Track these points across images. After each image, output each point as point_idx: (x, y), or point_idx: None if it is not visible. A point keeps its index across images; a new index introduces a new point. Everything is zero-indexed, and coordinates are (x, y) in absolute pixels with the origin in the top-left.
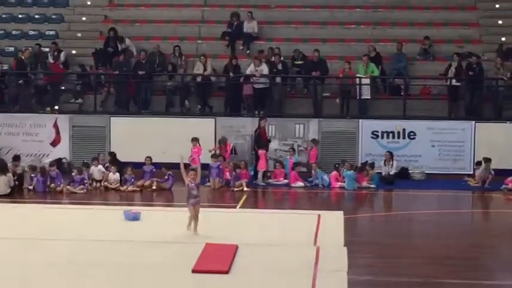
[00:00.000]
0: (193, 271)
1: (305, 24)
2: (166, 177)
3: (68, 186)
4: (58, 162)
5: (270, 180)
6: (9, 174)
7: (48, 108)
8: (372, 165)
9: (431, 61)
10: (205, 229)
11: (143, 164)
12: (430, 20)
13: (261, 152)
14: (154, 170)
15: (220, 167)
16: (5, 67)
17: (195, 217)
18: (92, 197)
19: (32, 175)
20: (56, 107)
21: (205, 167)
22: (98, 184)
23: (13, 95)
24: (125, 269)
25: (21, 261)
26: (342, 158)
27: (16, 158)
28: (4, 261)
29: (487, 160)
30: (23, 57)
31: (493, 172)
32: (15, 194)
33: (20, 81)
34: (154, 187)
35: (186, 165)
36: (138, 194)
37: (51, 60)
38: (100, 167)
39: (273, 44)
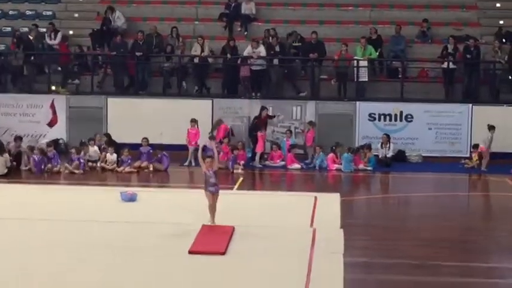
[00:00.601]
0: (190, 252)
1: (303, 6)
2: (159, 156)
3: (66, 164)
4: (55, 143)
5: (266, 162)
6: (6, 155)
7: (60, 88)
8: (369, 148)
9: (429, 44)
10: (202, 211)
11: (140, 145)
12: (428, 2)
13: (260, 133)
14: (151, 151)
15: (217, 148)
16: (2, 47)
17: (213, 206)
18: (89, 178)
19: (29, 156)
20: (53, 88)
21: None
22: (94, 165)
23: (14, 74)
24: (121, 250)
25: (17, 242)
26: (339, 140)
27: (18, 139)
28: (0, 243)
29: (491, 128)
30: (31, 37)
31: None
32: (12, 174)
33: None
34: (151, 168)
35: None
36: (134, 175)
37: (48, 40)
38: (95, 147)
39: (271, 26)
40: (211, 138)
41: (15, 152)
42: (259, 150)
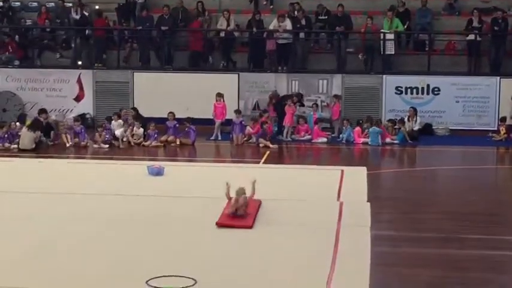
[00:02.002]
0: (217, 225)
1: None
2: (187, 129)
3: (95, 138)
4: (82, 118)
5: (293, 136)
6: (38, 132)
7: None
8: (402, 122)
9: (456, 16)
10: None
11: (166, 119)
12: None
13: (288, 108)
14: (177, 125)
15: (243, 122)
16: (29, 22)
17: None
18: (116, 152)
19: (57, 130)
20: (80, 62)
21: (228, 122)
22: (121, 139)
23: (41, 49)
24: (148, 223)
25: (45, 216)
26: (366, 114)
27: (43, 111)
28: (29, 216)
29: None
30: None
31: None
32: (40, 149)
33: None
34: (177, 142)
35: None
36: (161, 149)
37: (74, 15)
38: (120, 121)
39: None
40: (237, 112)
41: (44, 124)
42: (288, 123)
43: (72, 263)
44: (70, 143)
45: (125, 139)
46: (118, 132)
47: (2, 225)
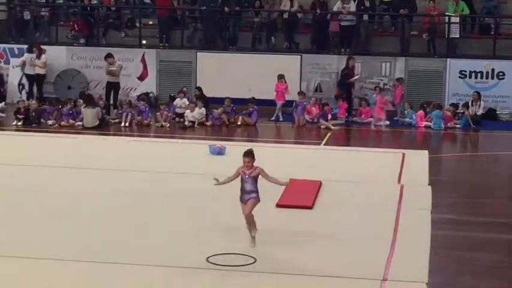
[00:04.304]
0: (278, 205)
1: None
2: (250, 109)
3: (157, 118)
4: (146, 97)
5: (354, 118)
6: (98, 108)
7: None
8: (466, 106)
9: None
10: (290, 165)
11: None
12: None
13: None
14: (234, 108)
15: (305, 104)
16: (94, 1)
17: (249, 218)
18: (178, 131)
19: (120, 110)
20: (144, 42)
21: (289, 103)
22: (182, 118)
23: (106, 28)
24: (208, 201)
25: (105, 190)
26: (428, 97)
27: (109, 55)
28: (94, 192)
29: None
30: None
31: None
32: (103, 126)
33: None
34: (239, 122)
35: None
36: (223, 128)
37: None
38: (185, 100)
39: None
40: (300, 93)
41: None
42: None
43: (134, 237)
44: (126, 124)
45: (192, 118)
46: (189, 114)
47: (71, 200)
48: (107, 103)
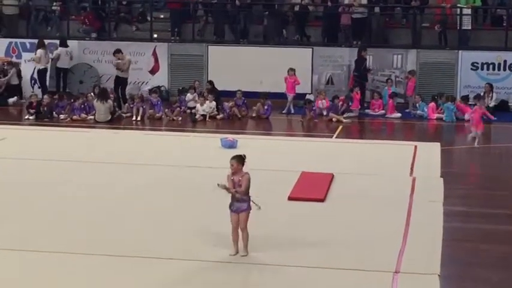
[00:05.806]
0: (289, 198)
1: None
2: (266, 107)
3: (166, 110)
4: (158, 89)
5: (366, 111)
6: (110, 101)
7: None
8: (478, 98)
9: None
10: (301, 158)
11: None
12: None
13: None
14: (245, 101)
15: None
16: None
17: (235, 231)
18: (189, 124)
19: (131, 104)
20: (155, 36)
21: (300, 96)
22: (194, 112)
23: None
24: (220, 195)
25: (118, 185)
26: (440, 89)
27: (118, 51)
28: (108, 184)
29: None
30: None
31: None
32: (115, 120)
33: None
34: (254, 114)
35: None
36: (234, 122)
37: None
38: (195, 94)
39: None
40: (320, 93)
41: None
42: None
43: (147, 230)
44: (138, 118)
45: (203, 112)
46: (199, 108)
47: (84, 192)
48: (117, 96)
